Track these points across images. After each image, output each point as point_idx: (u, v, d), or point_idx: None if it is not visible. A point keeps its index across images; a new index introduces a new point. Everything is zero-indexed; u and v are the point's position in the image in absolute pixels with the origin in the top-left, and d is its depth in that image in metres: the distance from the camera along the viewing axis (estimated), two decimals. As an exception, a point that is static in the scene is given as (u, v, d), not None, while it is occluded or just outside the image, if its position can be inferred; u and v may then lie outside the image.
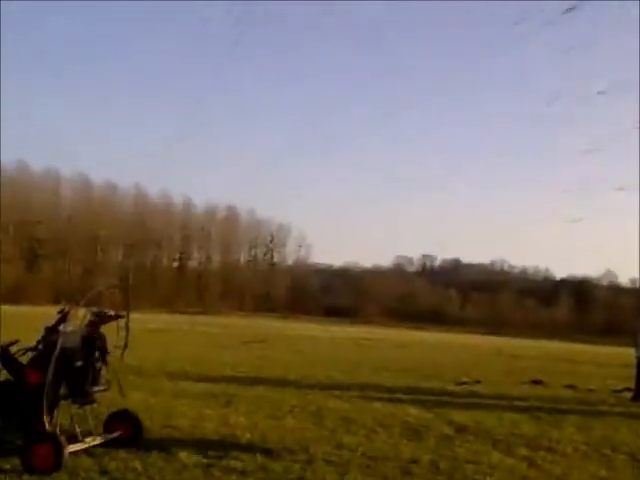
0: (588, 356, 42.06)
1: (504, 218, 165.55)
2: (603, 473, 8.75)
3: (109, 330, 8.07)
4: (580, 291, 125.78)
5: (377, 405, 13.31)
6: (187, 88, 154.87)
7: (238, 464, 7.80)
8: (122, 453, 7.86)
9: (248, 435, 9.46)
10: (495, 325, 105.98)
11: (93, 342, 7.81)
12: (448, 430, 11.01)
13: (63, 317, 7.73)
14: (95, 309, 8.11)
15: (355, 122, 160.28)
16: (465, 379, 20.25)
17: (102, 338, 7.96)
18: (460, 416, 12.44)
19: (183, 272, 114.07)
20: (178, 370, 17.70)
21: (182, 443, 8.64)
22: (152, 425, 9.46)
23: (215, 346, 28.39)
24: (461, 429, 11.15)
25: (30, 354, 7.69)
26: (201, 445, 8.63)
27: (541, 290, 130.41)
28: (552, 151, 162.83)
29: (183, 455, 8.00)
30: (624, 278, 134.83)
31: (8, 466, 7.05)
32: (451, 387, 18.28)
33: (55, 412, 7.57)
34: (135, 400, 11.45)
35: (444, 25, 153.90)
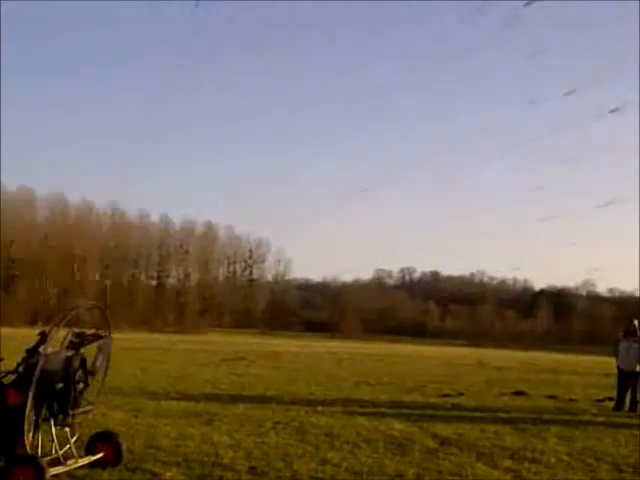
0: (569, 366, 42.20)
1: (484, 229, 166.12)
2: (588, 483, 8.77)
3: (89, 351, 8.00)
4: (559, 301, 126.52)
5: (360, 420, 13.27)
6: (161, 103, 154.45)
7: (223, 483, 7.74)
8: (105, 475, 7.78)
9: (232, 453, 9.39)
10: (475, 337, 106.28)
11: (74, 363, 7.73)
12: (432, 443, 10.99)
13: (43, 338, 7.66)
14: (75, 330, 8.06)
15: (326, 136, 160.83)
16: (447, 391, 20.25)
17: (83, 359, 7.90)
18: (444, 429, 12.44)
19: (162, 290, 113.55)
20: (159, 389, 17.58)
21: (166, 463, 8.57)
22: (135, 445, 9.39)
23: (195, 364, 28.20)
24: (445, 442, 11.14)
25: (11, 377, 7.61)
26: (185, 465, 8.56)
27: (520, 301, 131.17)
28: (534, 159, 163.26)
29: (168, 475, 7.94)
30: (602, 288, 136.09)
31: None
32: (434, 400, 18.26)
33: (36, 434, 7.49)
34: (117, 420, 11.39)
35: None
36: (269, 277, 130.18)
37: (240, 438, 10.63)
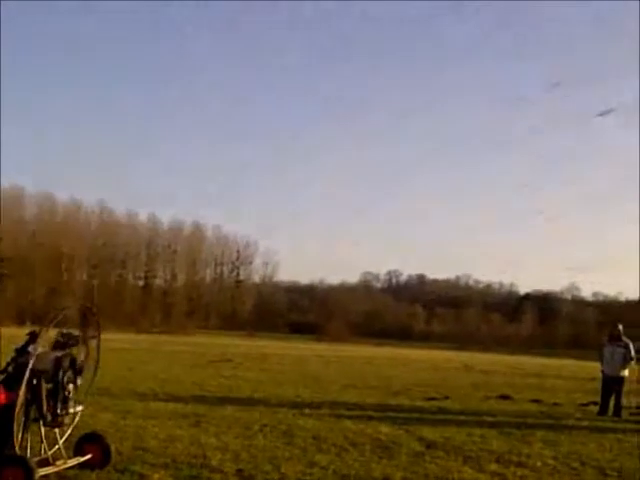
0: (553, 370, 42.38)
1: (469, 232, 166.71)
2: (573, 487, 8.85)
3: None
4: (544, 305, 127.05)
5: (347, 423, 13.32)
6: (150, 102, 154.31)
7: (211, 485, 7.78)
8: (94, 476, 7.81)
9: (220, 455, 9.42)
10: (461, 340, 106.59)
11: (64, 363, 7.75)
12: (419, 447, 11.06)
13: (33, 338, 7.67)
14: (65, 330, 8.07)
15: (321, 138, 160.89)
16: (433, 395, 20.33)
17: (73, 359, 7.91)
18: (430, 432, 12.51)
19: (149, 290, 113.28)
20: (147, 390, 17.59)
21: (154, 465, 8.59)
22: (123, 447, 9.42)
23: (182, 365, 28.21)
24: (431, 445, 11.21)
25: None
26: (173, 466, 8.59)
27: (506, 305, 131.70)
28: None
29: (156, 477, 7.96)
30: (587, 292, 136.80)
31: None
32: (420, 403, 18.33)
33: (25, 435, 7.51)
34: (105, 421, 11.41)
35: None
36: (256, 279, 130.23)
37: (228, 440, 10.67)
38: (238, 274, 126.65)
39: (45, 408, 7.53)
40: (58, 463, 7.67)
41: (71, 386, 7.81)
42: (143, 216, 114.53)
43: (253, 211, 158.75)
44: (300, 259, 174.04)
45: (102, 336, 8.53)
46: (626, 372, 18.19)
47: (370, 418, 14.25)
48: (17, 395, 7.19)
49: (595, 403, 18.87)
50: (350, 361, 40.32)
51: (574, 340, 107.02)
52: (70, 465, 7.80)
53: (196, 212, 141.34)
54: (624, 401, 18.13)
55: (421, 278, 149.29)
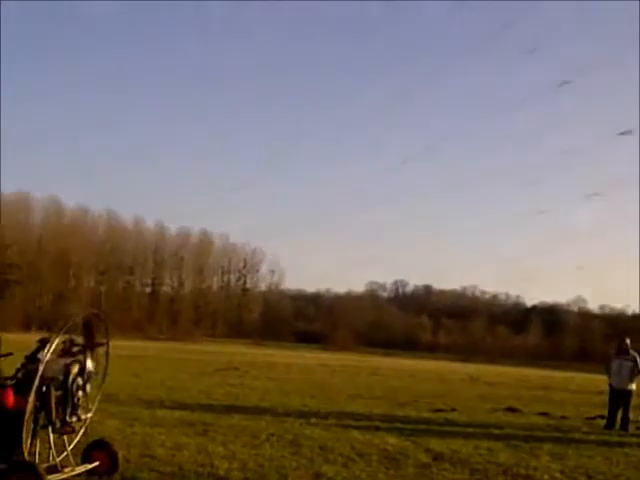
0: (560, 383, 42.25)
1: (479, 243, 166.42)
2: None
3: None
4: (550, 317, 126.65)
5: (354, 433, 13.31)
6: (155, 112, 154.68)
7: (218, 494, 7.79)
8: (101, 483, 7.83)
9: (227, 464, 9.43)
10: (467, 351, 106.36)
11: (73, 371, 7.77)
12: (425, 458, 11.04)
13: (43, 345, 7.69)
14: (74, 337, 8.10)
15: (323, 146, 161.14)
16: (440, 406, 20.29)
17: (82, 367, 7.93)
18: (437, 444, 12.49)
19: (156, 297, 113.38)
20: (153, 398, 17.61)
21: (161, 473, 8.62)
22: (130, 454, 9.45)
23: (189, 373, 28.23)
24: (438, 457, 11.19)
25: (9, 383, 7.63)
26: (180, 474, 8.62)
27: (512, 316, 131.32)
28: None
29: (163, 485, 7.98)
30: (594, 304, 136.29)
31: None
32: (426, 414, 18.31)
33: (34, 441, 7.52)
34: (112, 429, 11.42)
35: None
36: (263, 287, 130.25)
37: (235, 449, 10.68)
38: (245, 282, 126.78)
39: (54, 415, 7.54)
40: (66, 470, 7.68)
41: (80, 393, 7.84)
42: (150, 223, 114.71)
43: (257, 219, 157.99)
44: (305, 268, 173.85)
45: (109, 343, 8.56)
46: (634, 385, 18.12)
47: (377, 429, 14.24)
48: (27, 401, 7.21)
49: (602, 417, 18.79)
50: (356, 371, 40.26)
51: (580, 352, 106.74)
52: (78, 472, 7.82)
53: (203, 220, 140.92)
54: (631, 415, 18.05)
55: (427, 288, 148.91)
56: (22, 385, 7.41)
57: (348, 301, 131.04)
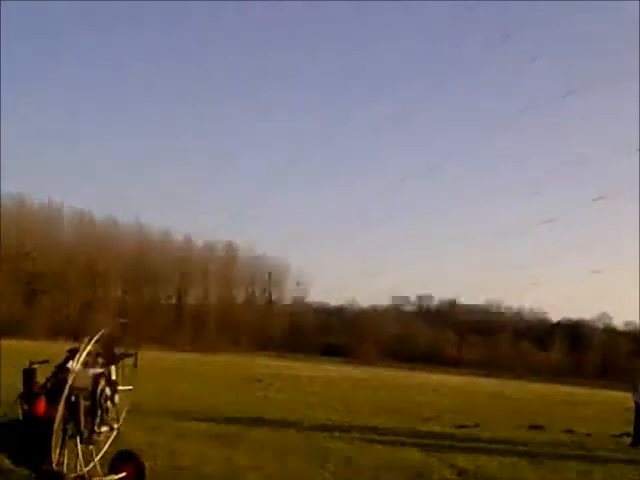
0: (585, 399, 41.91)
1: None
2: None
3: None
4: (575, 334, 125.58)
5: (378, 447, 13.33)
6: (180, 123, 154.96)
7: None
8: (129, 493, 7.89)
9: (253, 476, 9.48)
10: (491, 367, 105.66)
11: (102, 381, 7.85)
12: (450, 474, 11.04)
13: (72, 355, 7.78)
14: (103, 348, 8.18)
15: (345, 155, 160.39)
16: (464, 422, 20.22)
17: (110, 378, 8.01)
18: (462, 460, 12.47)
19: (181, 309, 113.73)
20: (179, 409, 17.67)
21: (188, 484, 8.68)
22: (157, 465, 9.51)
23: (214, 385, 28.31)
24: (463, 473, 11.19)
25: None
26: (206, 486, 8.67)
27: (536, 332, 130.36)
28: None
29: (190, 496, 8.04)
30: (619, 321, 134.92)
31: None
32: (450, 430, 18.26)
33: (62, 451, 7.60)
34: (139, 439, 11.49)
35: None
36: (288, 299, 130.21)
37: (260, 461, 10.72)
38: (270, 295, 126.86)
39: (83, 425, 7.62)
40: (94, 480, 7.76)
41: (109, 404, 7.92)
42: (178, 236, 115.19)
43: (281, 231, 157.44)
44: (330, 281, 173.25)
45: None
46: (660, 403, 17.98)
47: (402, 443, 14.25)
48: (56, 410, 7.29)
49: (628, 434, 18.64)
50: (380, 384, 40.15)
51: (605, 369, 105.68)
52: (105, 482, 7.88)
53: (227, 232, 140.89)
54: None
55: (452, 303, 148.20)
56: (52, 394, 7.51)
57: (372, 314, 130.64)
